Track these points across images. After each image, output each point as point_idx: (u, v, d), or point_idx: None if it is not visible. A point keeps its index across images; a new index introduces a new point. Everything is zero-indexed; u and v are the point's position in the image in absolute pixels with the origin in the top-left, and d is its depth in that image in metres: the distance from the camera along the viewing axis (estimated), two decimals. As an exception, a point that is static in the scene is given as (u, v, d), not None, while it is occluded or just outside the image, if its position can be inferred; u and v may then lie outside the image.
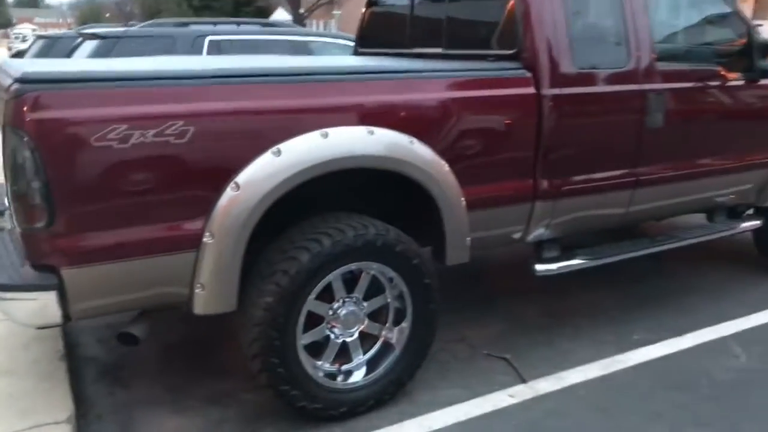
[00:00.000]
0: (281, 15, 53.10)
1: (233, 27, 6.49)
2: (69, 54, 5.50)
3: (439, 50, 3.71)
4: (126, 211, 2.31)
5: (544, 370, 3.21)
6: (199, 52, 5.27)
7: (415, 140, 2.78)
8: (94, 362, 3.32)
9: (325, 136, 2.57)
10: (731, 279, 4.40)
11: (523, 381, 3.12)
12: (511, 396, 3.00)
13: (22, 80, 2.17)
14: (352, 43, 6.34)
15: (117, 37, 5.32)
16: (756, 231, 4.39)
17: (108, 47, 5.13)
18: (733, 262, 4.68)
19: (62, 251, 2.24)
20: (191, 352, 3.45)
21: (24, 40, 46.35)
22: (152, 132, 2.28)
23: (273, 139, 2.49)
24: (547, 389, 3.05)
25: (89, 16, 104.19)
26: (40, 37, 7.79)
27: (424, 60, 3.55)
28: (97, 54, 5.07)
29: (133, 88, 2.32)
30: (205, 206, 2.41)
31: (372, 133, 2.68)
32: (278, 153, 2.48)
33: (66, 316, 2.34)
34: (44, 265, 2.26)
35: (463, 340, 3.52)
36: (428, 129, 2.84)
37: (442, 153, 2.85)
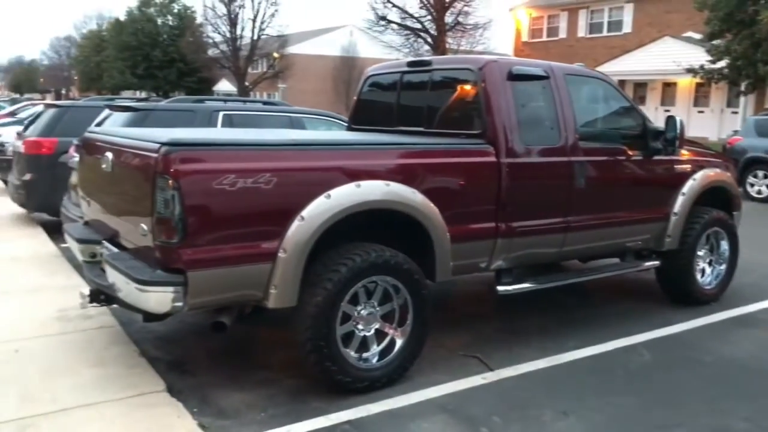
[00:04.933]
0: (225, 86, 54.74)
1: (240, 104, 7.72)
2: (99, 124, 6.48)
3: (420, 129, 4.95)
4: (232, 233, 3.37)
5: (505, 364, 4.34)
6: (214, 124, 6.35)
7: (416, 191, 3.96)
8: (160, 361, 4.23)
9: (359, 186, 3.73)
10: (639, 307, 5.69)
11: (491, 370, 4.24)
12: (483, 378, 4.11)
13: (169, 144, 3.25)
14: (331, 119, 7.61)
15: (148, 110, 6.37)
16: (658, 271, 5.73)
17: (141, 118, 6.17)
18: (641, 296, 6.00)
19: (189, 259, 3.26)
20: (236, 353, 4.43)
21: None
22: (251, 180, 3.38)
23: (326, 187, 3.62)
24: (509, 375, 4.18)
25: (23, 81, 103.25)
26: (49, 105, 8.72)
27: (418, 136, 4.75)
28: (131, 124, 6.09)
29: (239, 151, 3.43)
30: (280, 231, 3.50)
31: (388, 185, 3.86)
32: (329, 197, 3.61)
33: (182, 308, 3.34)
34: (175, 269, 3.28)
35: (442, 346, 4.61)
36: (424, 183, 4.03)
37: (434, 200, 4.03)
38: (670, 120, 5.26)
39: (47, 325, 4.66)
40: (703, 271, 5.83)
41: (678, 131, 5.19)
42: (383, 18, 32.49)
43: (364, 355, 3.90)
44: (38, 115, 8.66)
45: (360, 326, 3.88)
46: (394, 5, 32.19)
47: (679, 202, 5.48)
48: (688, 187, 5.54)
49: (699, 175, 5.64)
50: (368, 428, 3.46)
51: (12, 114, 19.07)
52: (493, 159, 4.35)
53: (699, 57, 20.04)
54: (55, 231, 7.35)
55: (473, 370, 4.24)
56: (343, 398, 3.74)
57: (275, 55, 45.56)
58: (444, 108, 4.94)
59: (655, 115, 24.67)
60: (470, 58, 4.97)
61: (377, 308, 3.93)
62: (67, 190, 6.25)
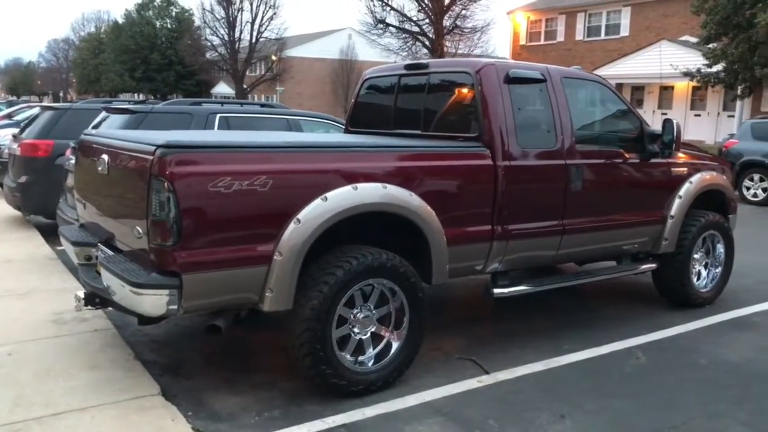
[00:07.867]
0: (223, 89, 54.81)
1: (237, 106, 7.73)
2: (96, 126, 6.47)
3: (417, 132, 4.94)
4: (227, 236, 3.36)
5: (501, 367, 4.33)
6: (211, 126, 6.34)
7: (413, 193, 3.96)
8: (155, 364, 4.22)
9: (356, 189, 3.72)
10: (635, 310, 5.69)
11: (487, 373, 4.23)
12: (479, 381, 4.10)
13: (165, 146, 3.24)
14: (329, 122, 7.61)
15: (145, 112, 6.36)
16: (654, 274, 5.73)
17: (138, 120, 6.16)
18: (637, 299, 6.00)
19: (184, 261, 3.25)
20: (230, 356, 4.41)
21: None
22: (246, 182, 3.37)
23: (322, 190, 3.61)
24: (505, 378, 4.18)
25: (21, 83, 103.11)
26: (45, 108, 8.71)
27: (415, 139, 4.74)
28: (128, 126, 6.08)
29: (235, 153, 3.42)
30: (276, 233, 3.49)
31: (385, 187, 3.85)
32: (325, 199, 3.60)
33: (177, 311, 3.32)
34: (170, 271, 3.26)
35: (438, 349, 4.60)
36: (421, 186, 4.02)
37: (430, 203, 4.03)
38: (667, 123, 5.27)
39: (42, 328, 4.64)
40: (699, 273, 5.83)
41: (675, 134, 5.19)
42: (381, 21, 32.53)
43: (360, 358, 3.89)
44: (35, 118, 8.66)
45: (356, 329, 3.86)
46: (393, 8, 32.28)
47: (676, 205, 5.49)
48: (685, 190, 5.55)
49: (695, 179, 5.65)
50: (364, 431, 3.45)
51: (9, 116, 19.06)
52: (489, 162, 4.35)
53: (696, 61, 20.10)
54: (50, 234, 7.33)
55: (469, 373, 4.24)
56: (339, 401, 3.73)
57: (273, 57, 45.62)
58: (441, 111, 4.94)
59: (652, 118, 24.71)
60: (467, 61, 4.96)
61: (373, 311, 3.92)
62: (63, 193, 6.24)
